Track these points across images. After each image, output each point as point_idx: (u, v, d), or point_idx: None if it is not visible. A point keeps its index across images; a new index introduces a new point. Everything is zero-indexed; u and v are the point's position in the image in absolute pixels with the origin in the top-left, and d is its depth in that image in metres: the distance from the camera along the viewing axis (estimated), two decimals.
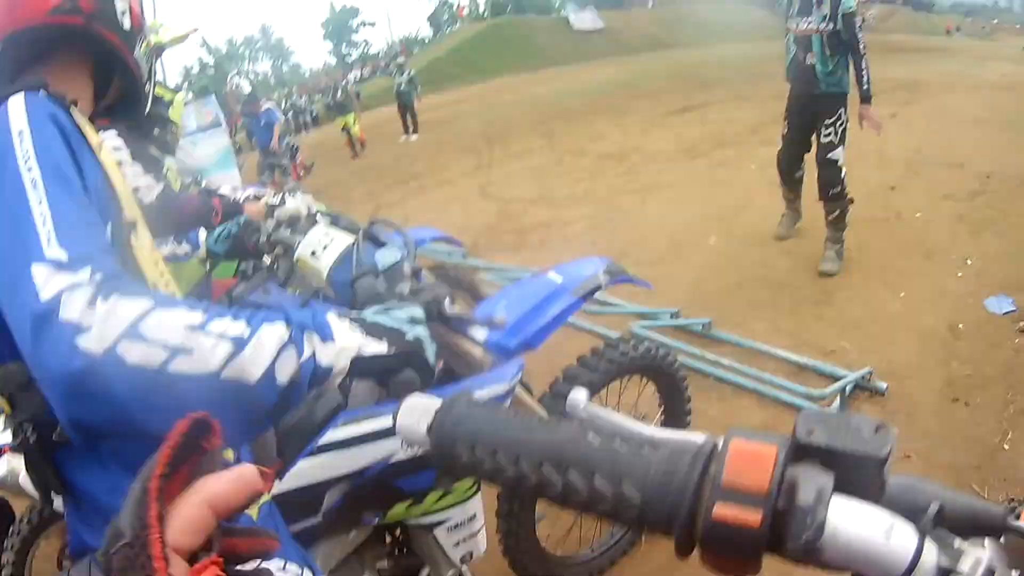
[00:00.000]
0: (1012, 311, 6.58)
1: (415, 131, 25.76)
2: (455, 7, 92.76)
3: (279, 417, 1.41)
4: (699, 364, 5.82)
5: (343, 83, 28.21)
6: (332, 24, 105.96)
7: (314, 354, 1.41)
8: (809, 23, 7.27)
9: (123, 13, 1.84)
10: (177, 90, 4.48)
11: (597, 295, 3.91)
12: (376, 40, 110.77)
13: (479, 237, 10.39)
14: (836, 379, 5.35)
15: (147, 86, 2.03)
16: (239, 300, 3.68)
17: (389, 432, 2.54)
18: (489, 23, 69.94)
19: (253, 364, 1.31)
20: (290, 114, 49.75)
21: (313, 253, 2.75)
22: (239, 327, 1.33)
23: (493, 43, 61.67)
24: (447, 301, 2.09)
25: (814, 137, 7.61)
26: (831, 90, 7.34)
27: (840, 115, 7.30)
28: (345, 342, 1.48)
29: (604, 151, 15.63)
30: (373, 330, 1.55)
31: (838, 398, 5.06)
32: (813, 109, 7.49)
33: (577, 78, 39.13)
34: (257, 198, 4.84)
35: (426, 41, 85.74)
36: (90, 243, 1.38)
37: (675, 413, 4.06)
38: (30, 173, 1.42)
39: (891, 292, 6.91)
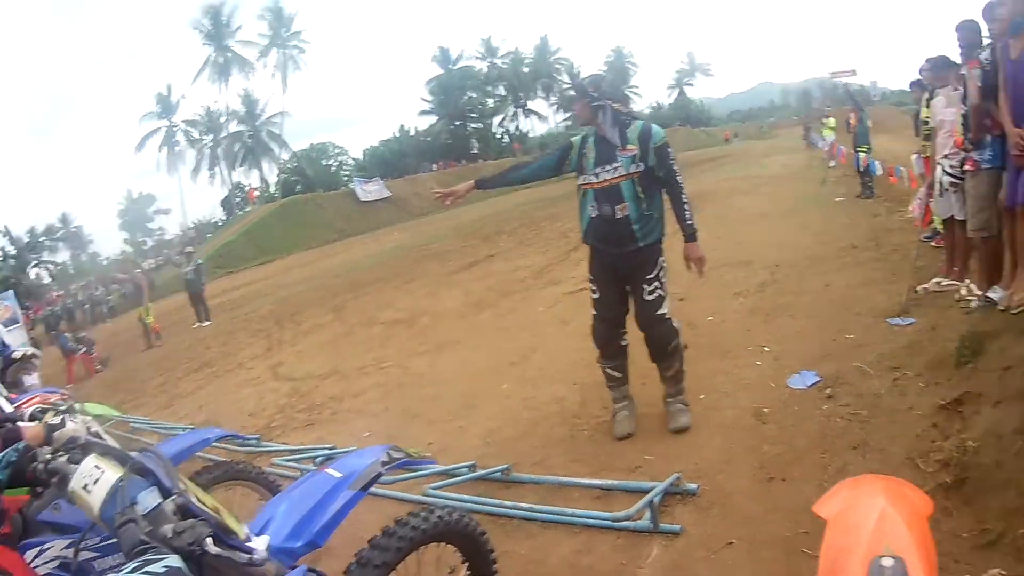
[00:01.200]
0: (817, 381, 6.80)
1: (207, 318, 25.69)
2: (246, 190, 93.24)
3: None
4: (503, 510, 5.72)
5: (134, 275, 28.02)
6: (129, 213, 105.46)
7: None
8: (616, 170, 6.44)
9: None
10: None
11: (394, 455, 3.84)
12: (171, 226, 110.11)
13: (273, 419, 10.26)
14: (644, 493, 5.27)
15: None
16: (31, 517, 3.54)
17: None
18: (279, 203, 70.66)
19: None
20: (87, 306, 49.25)
21: (85, 487, 2.64)
22: None
23: (283, 222, 62.26)
24: (209, 541, 2.18)
25: (632, 295, 6.67)
26: (648, 241, 6.46)
27: (661, 265, 6.53)
28: None
29: (393, 318, 15.81)
30: None
31: (648, 512, 5.00)
32: (629, 267, 6.56)
33: (365, 248, 40.15)
34: (43, 411, 4.68)
35: (219, 224, 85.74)
36: None
37: (480, 567, 4.01)
38: None
39: (690, 399, 6.89)
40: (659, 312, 6.53)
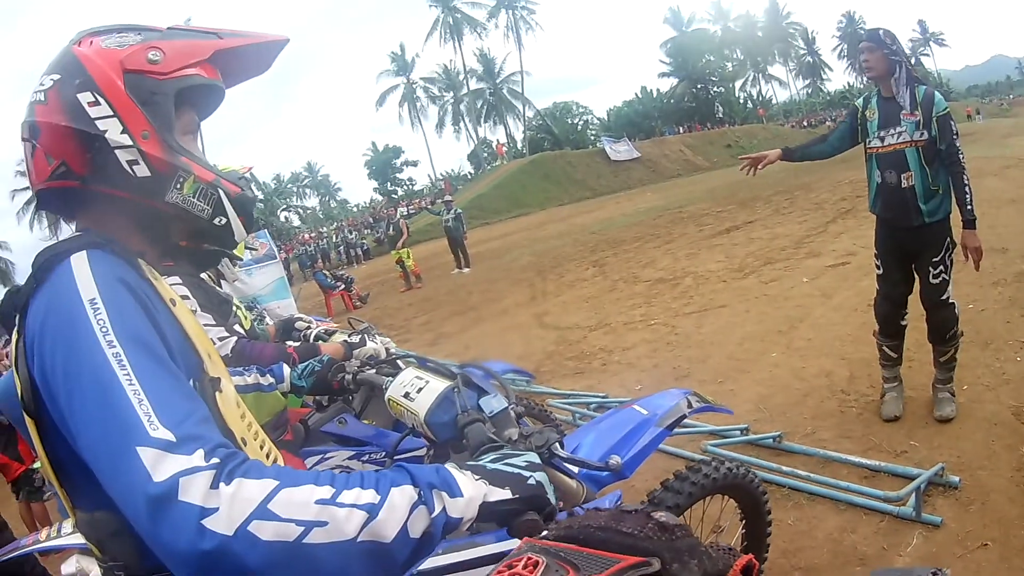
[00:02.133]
0: None
1: (467, 264, 26.15)
2: (494, 145, 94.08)
3: (412, 565, 1.44)
4: (773, 476, 5.78)
5: (395, 219, 28.49)
6: (376, 163, 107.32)
7: (445, 509, 1.48)
8: (900, 135, 6.12)
9: (132, 163, 1.76)
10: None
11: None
12: (420, 177, 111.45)
13: (541, 365, 10.50)
14: (909, 479, 5.31)
15: (216, 220, 1.95)
16: (314, 429, 3.91)
17: (487, 560, 2.69)
18: (529, 159, 70.73)
19: (387, 526, 1.37)
20: (342, 248, 50.39)
21: (407, 395, 2.79)
22: (369, 495, 1.39)
23: (535, 177, 62.22)
24: (558, 445, 2.25)
25: (917, 274, 6.38)
26: (935, 218, 6.12)
27: (948, 247, 6.15)
28: (472, 493, 1.54)
29: (656, 276, 15.76)
30: (495, 478, 1.62)
31: (913, 496, 4.99)
32: (916, 245, 6.26)
33: (619, 206, 39.44)
34: (328, 333, 5.13)
35: (469, 177, 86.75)
36: (193, 419, 1.40)
37: (755, 527, 4.03)
38: (112, 348, 1.44)
39: (955, 387, 6.71)
40: (943, 296, 6.22)
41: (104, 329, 1.45)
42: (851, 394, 7.33)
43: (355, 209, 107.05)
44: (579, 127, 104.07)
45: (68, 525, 4.38)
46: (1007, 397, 6.54)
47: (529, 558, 1.44)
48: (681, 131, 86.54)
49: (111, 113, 1.72)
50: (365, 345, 4.08)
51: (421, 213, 59.44)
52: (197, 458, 1.31)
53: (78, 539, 4.07)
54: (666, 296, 13.68)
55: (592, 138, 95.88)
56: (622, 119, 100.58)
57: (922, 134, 6.00)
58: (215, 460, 1.32)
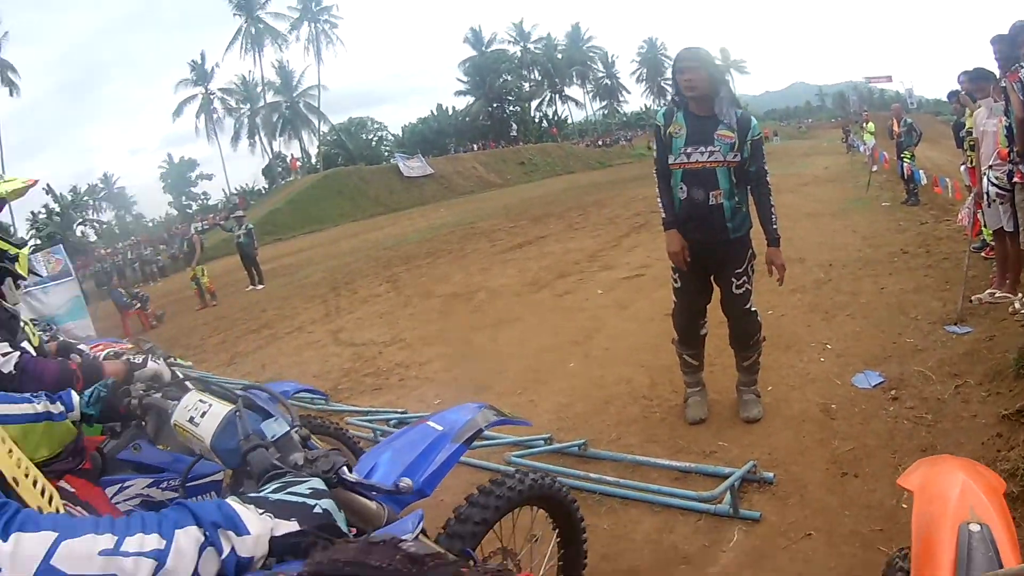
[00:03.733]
0: (881, 382, 6.86)
1: (261, 281, 25.83)
2: (288, 159, 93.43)
3: None
4: (582, 483, 5.75)
5: (188, 235, 28.01)
6: (171, 176, 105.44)
7: (234, 549, 1.41)
8: (712, 153, 6.12)
9: None
10: (22, 244, 4.40)
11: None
12: (215, 191, 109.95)
13: (339, 382, 10.38)
14: (722, 477, 5.39)
15: None
16: (111, 457, 3.63)
17: None
18: (322, 174, 70.87)
19: (178, 574, 1.29)
20: (137, 264, 49.38)
21: (191, 419, 2.73)
22: (153, 540, 1.30)
23: (328, 192, 62.28)
24: (346, 469, 2.18)
25: (718, 284, 6.52)
26: (739, 234, 6.29)
27: (750, 258, 6.37)
28: (258, 529, 1.47)
29: (450, 291, 15.88)
30: (280, 510, 1.55)
31: (728, 495, 5.08)
32: (719, 258, 6.37)
33: (412, 222, 39.95)
34: (117, 355, 4.87)
35: (263, 192, 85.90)
36: None
37: (569, 534, 4.04)
38: None
39: (759, 388, 6.93)
40: (747, 306, 6.45)
41: None
42: (653, 399, 7.47)
43: (150, 224, 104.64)
44: (373, 143, 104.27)
45: None
46: (814, 395, 6.83)
47: None
48: (476, 148, 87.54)
49: None
50: (146, 366, 3.89)
51: (215, 229, 58.63)
52: None
53: None
54: (460, 311, 13.75)
55: (386, 154, 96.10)
56: (416, 136, 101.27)
57: (735, 155, 6.10)
58: None
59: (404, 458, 3.33)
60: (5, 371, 3.62)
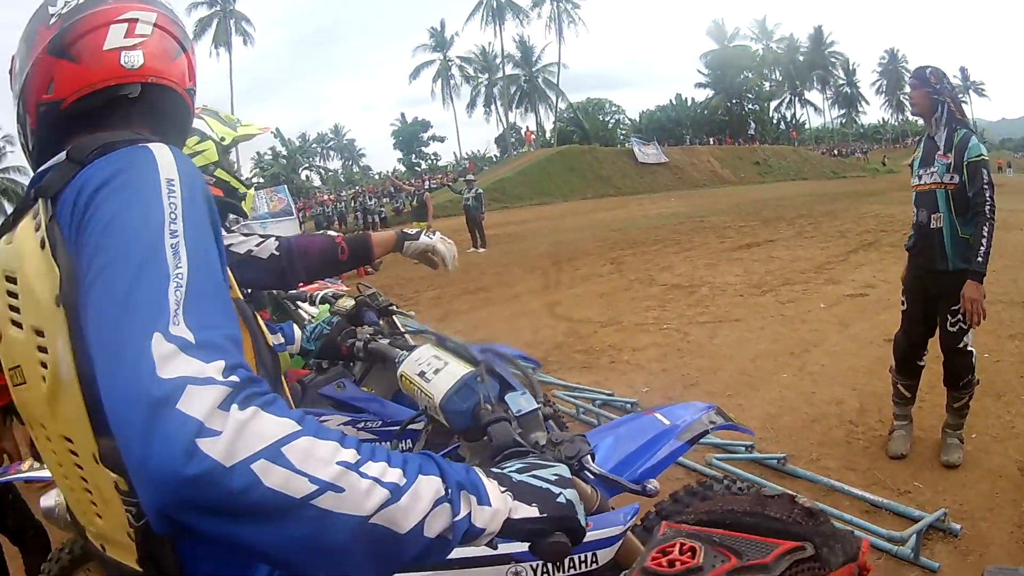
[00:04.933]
0: None
1: (483, 245, 26.23)
2: (523, 131, 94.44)
3: (413, 567, 1.28)
4: None
5: (422, 191, 28.55)
6: (403, 134, 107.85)
7: (470, 514, 1.33)
8: (932, 175, 6.07)
9: (184, 75, 1.82)
10: (251, 186, 4.49)
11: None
12: (445, 153, 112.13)
13: (549, 354, 10.43)
14: (911, 519, 5.26)
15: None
16: (311, 391, 3.83)
17: (493, 560, 2.57)
18: (557, 149, 71.18)
19: (406, 515, 1.21)
20: (359, 213, 50.56)
21: (422, 374, 2.55)
22: (395, 475, 1.23)
23: (560, 168, 62.49)
24: (589, 458, 2.03)
25: (938, 318, 6.21)
26: (958, 266, 5.95)
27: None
28: (498, 505, 1.39)
29: (673, 281, 15.74)
30: (522, 492, 1.46)
31: (914, 538, 4.90)
32: (937, 289, 6.14)
33: (642, 208, 39.72)
34: (335, 296, 5.07)
35: (494, 160, 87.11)
36: (222, 331, 1.24)
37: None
38: (174, 236, 1.32)
39: (964, 432, 6.61)
40: (960, 344, 6.14)
41: (173, 212, 1.35)
42: (859, 426, 7.24)
43: (377, 176, 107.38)
44: (609, 125, 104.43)
45: None
46: (1014, 451, 6.48)
47: (683, 544, 1.43)
48: (712, 143, 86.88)
49: None
50: (419, 239, 3.94)
51: (442, 189, 59.55)
52: (213, 369, 1.15)
53: None
54: (681, 302, 13.59)
55: (621, 137, 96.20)
56: (654, 123, 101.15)
57: (952, 177, 5.96)
58: (233, 379, 1.16)
59: (626, 447, 3.21)
60: (265, 256, 3.57)
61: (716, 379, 8.96)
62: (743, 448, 6.68)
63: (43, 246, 1.49)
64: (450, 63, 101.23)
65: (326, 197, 69.78)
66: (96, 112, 1.70)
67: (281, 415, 1.17)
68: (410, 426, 3.51)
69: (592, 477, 2.01)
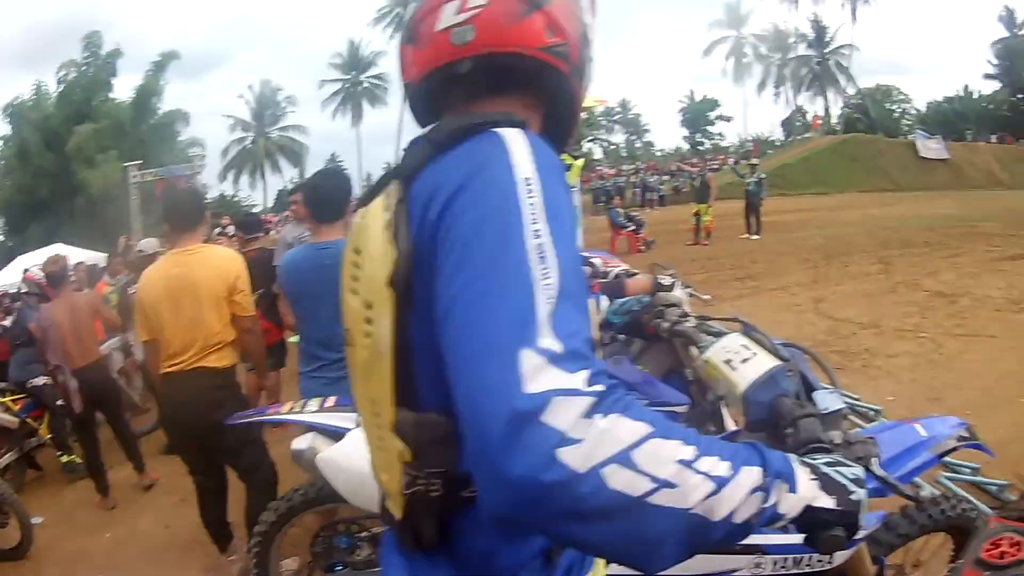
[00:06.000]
0: None
1: (758, 231, 26.07)
2: (811, 116, 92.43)
3: (714, 545, 1.32)
4: None
5: (704, 172, 28.81)
6: (690, 112, 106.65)
7: (778, 502, 1.38)
8: None
9: (591, 62, 1.83)
10: (579, 157, 5.12)
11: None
12: (729, 134, 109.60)
13: None
14: None
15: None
16: None
17: (750, 549, 2.86)
18: (841, 137, 69.23)
19: (723, 504, 1.25)
20: (639, 189, 50.50)
21: (728, 362, 2.70)
22: (724, 467, 1.27)
23: (843, 158, 60.94)
24: (875, 461, 2.13)
25: None
26: None
27: None
28: (804, 492, 1.44)
29: (936, 289, 15.26)
30: (827, 483, 1.50)
31: None
32: None
33: (917, 206, 38.17)
34: (629, 273, 5.10)
35: (777, 144, 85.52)
36: (582, 337, 1.26)
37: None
38: (536, 236, 1.31)
39: None
40: None
41: (534, 214, 1.33)
42: None
43: (659, 153, 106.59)
44: (896, 114, 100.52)
45: (314, 404, 4.84)
46: None
47: (1012, 539, 1.54)
48: (994, 140, 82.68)
49: None
50: (672, 291, 4.10)
51: (723, 170, 58.89)
52: (579, 379, 1.19)
53: (320, 419, 4.66)
54: (940, 312, 13.42)
55: (906, 128, 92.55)
56: (940, 115, 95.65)
57: None
58: (598, 387, 1.20)
59: (885, 452, 2.85)
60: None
61: (960, 395, 8.76)
62: (969, 469, 6.61)
63: (387, 227, 1.53)
64: (743, 40, 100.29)
65: (608, 171, 69.83)
66: (442, 91, 1.76)
67: (638, 419, 1.21)
68: (670, 408, 3.73)
69: (875, 479, 2.12)
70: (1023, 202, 36.95)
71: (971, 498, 5.45)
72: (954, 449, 3.68)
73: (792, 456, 1.51)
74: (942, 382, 9.45)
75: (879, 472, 2.13)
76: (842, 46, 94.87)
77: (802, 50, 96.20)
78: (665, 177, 59.03)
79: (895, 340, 11.64)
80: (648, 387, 3.85)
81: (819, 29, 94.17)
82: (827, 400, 2.45)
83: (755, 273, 18.25)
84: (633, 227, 25.01)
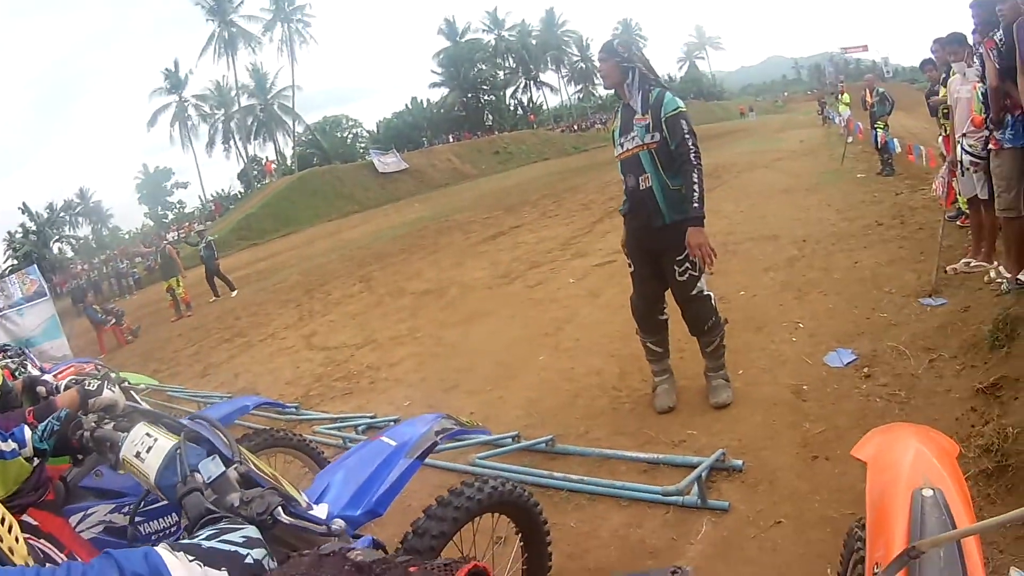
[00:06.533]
0: (854, 360, 6.77)
1: (231, 288, 25.79)
2: (263, 162, 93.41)
3: None
4: (550, 481, 5.67)
5: (162, 247, 28.03)
6: (147, 187, 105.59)
7: None
8: (633, 139, 6.24)
9: None
10: None
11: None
12: (191, 199, 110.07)
13: (310, 388, 10.31)
14: (690, 467, 5.29)
15: None
16: (73, 485, 3.60)
17: None
18: (297, 175, 70.93)
19: None
20: (113, 279, 49.43)
21: (137, 454, 2.63)
22: None
23: (303, 194, 62.38)
24: (280, 510, 2.14)
25: (664, 271, 6.38)
26: (676, 217, 6.13)
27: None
28: (186, 575, 1.43)
29: (422, 288, 15.89)
30: (211, 558, 1.51)
31: (695, 487, 4.97)
32: (659, 245, 6.29)
33: (387, 219, 40.28)
34: (79, 381, 4.48)
35: (239, 196, 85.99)
36: None
37: (533, 537, 3.99)
38: None
39: (729, 373, 6.83)
40: (693, 292, 6.32)
41: None
42: (623, 390, 7.40)
43: (126, 236, 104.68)
44: (348, 140, 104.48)
45: None
46: (785, 377, 6.74)
47: None
48: (451, 140, 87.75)
49: None
50: (101, 394, 3.71)
51: (191, 237, 58.78)
52: None
53: None
54: (432, 307, 13.84)
55: (361, 151, 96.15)
56: (392, 131, 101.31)
57: (653, 136, 6.14)
58: None
59: (357, 477, 3.27)
60: None
61: (475, 376, 9.00)
62: (510, 439, 6.62)
63: None
64: (186, 103, 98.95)
65: (80, 268, 67.81)
66: None
67: None
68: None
69: (287, 525, 2.19)
70: (490, 186, 40.31)
71: (510, 468, 6.03)
72: (434, 445, 3.67)
73: (162, 546, 1.50)
74: (453, 370, 9.57)
75: (285, 519, 2.12)
76: (284, 88, 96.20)
77: (245, 100, 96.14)
78: (137, 259, 57.74)
79: (394, 348, 11.50)
80: (138, 488, 3.47)
81: (259, 77, 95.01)
82: (209, 469, 2.40)
83: (242, 329, 17.56)
84: (113, 320, 23.76)
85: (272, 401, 6.73)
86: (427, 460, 6.15)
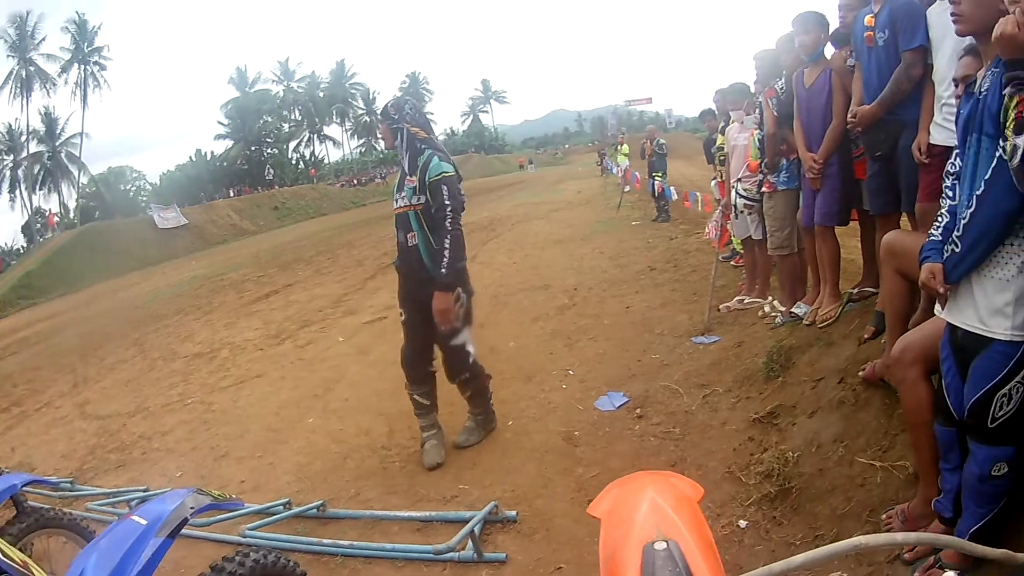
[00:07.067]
0: (626, 402, 7.13)
1: None
2: (47, 215, 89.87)
3: None
4: (321, 548, 5.75)
5: None
6: None
7: None
8: (403, 198, 6.67)
9: None
10: None
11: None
12: None
13: (85, 461, 10.04)
14: (464, 522, 5.44)
15: None
16: None
17: None
18: (79, 230, 68.60)
19: None
20: None
21: None
22: None
23: (84, 249, 60.08)
24: None
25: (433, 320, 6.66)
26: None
27: (458, 297, 6.59)
28: None
29: (193, 351, 15.64)
30: None
31: (470, 542, 5.13)
32: (426, 295, 6.58)
33: (165, 277, 39.32)
34: None
35: (22, 252, 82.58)
36: None
37: None
38: None
39: (499, 424, 7.17)
40: (452, 342, 6.77)
41: None
42: (392, 448, 7.63)
43: None
44: (131, 193, 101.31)
45: None
46: (556, 424, 7.04)
47: None
48: (232, 195, 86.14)
49: None
50: None
51: None
52: None
53: None
54: (203, 371, 13.58)
55: (143, 205, 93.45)
56: (175, 184, 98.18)
57: (419, 198, 6.56)
58: None
59: (111, 559, 3.22)
60: None
61: (244, 443, 8.95)
62: (281, 507, 6.63)
63: None
64: None
65: None
66: None
67: None
68: None
69: None
70: (267, 243, 39.68)
71: (280, 538, 5.97)
72: (185, 521, 3.60)
73: None
74: (223, 437, 9.45)
75: None
76: (73, 135, 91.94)
77: (34, 147, 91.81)
78: None
79: (165, 416, 11.22)
80: None
81: (50, 122, 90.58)
82: None
83: (18, 398, 16.64)
84: None
85: (42, 478, 6.65)
86: (198, 532, 6.27)
